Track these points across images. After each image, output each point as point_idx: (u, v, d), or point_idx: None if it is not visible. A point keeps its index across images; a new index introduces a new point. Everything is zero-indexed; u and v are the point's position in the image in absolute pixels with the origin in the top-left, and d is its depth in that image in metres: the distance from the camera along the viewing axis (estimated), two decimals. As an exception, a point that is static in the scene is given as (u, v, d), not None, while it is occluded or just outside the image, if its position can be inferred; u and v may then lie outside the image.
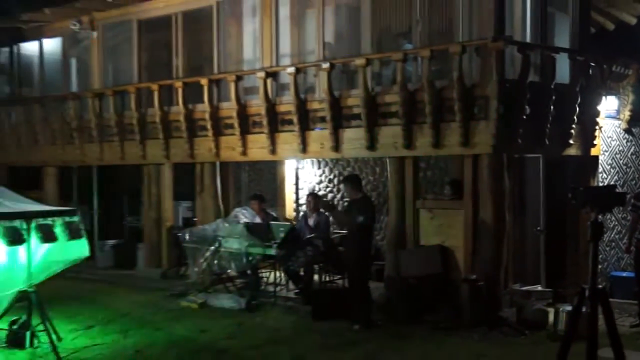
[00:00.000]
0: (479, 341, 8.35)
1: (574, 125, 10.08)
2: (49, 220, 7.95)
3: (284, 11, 11.95)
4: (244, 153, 11.93)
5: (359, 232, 9.17)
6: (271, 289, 10.78)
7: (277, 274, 10.87)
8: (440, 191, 10.72)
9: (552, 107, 9.60)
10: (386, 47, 10.65)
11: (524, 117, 9.26)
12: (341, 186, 12.67)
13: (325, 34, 11.47)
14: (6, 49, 16.45)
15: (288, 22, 11.98)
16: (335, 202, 12.58)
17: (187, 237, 11.42)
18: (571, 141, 10.13)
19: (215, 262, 10.74)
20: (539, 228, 10.40)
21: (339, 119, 10.59)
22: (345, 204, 11.01)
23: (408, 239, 10.13)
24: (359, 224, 9.01)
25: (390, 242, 10.40)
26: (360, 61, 10.15)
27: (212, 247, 10.73)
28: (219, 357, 7.91)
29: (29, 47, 16.35)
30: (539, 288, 9.88)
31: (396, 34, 11.11)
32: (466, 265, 9.44)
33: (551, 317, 8.73)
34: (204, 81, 12.06)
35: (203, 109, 12.20)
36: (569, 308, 8.40)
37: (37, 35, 15.88)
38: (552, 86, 9.59)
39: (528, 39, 10.03)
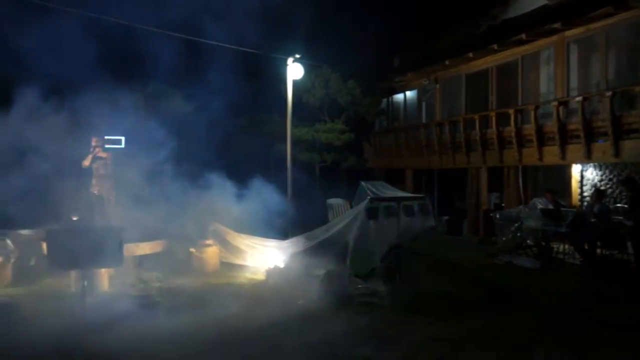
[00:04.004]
0: None
1: None
2: (410, 202, 8.12)
3: (573, 57, 10.70)
4: (540, 159, 10.95)
5: None
6: (560, 257, 9.68)
7: (565, 246, 9.69)
8: None
9: None
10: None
11: None
12: (619, 184, 10.77)
13: (608, 70, 9.93)
14: (385, 99, 17.74)
15: (576, 64, 10.68)
16: (609, 192, 10.72)
17: (497, 216, 10.90)
18: None
19: (518, 234, 10.00)
20: None
21: (619, 133, 9.03)
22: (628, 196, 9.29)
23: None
24: None
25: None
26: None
27: (516, 224, 10.00)
28: (519, 298, 7.38)
29: (398, 97, 17.42)
30: None
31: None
32: None
33: None
34: (511, 111, 11.42)
35: (510, 129, 11.53)
36: None
37: (403, 89, 16.84)
38: None
39: None
